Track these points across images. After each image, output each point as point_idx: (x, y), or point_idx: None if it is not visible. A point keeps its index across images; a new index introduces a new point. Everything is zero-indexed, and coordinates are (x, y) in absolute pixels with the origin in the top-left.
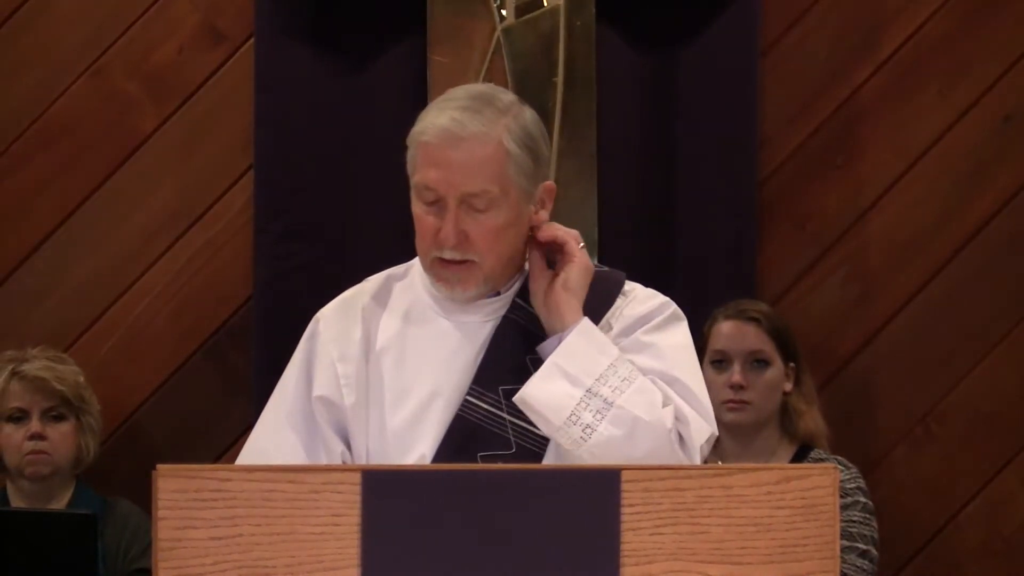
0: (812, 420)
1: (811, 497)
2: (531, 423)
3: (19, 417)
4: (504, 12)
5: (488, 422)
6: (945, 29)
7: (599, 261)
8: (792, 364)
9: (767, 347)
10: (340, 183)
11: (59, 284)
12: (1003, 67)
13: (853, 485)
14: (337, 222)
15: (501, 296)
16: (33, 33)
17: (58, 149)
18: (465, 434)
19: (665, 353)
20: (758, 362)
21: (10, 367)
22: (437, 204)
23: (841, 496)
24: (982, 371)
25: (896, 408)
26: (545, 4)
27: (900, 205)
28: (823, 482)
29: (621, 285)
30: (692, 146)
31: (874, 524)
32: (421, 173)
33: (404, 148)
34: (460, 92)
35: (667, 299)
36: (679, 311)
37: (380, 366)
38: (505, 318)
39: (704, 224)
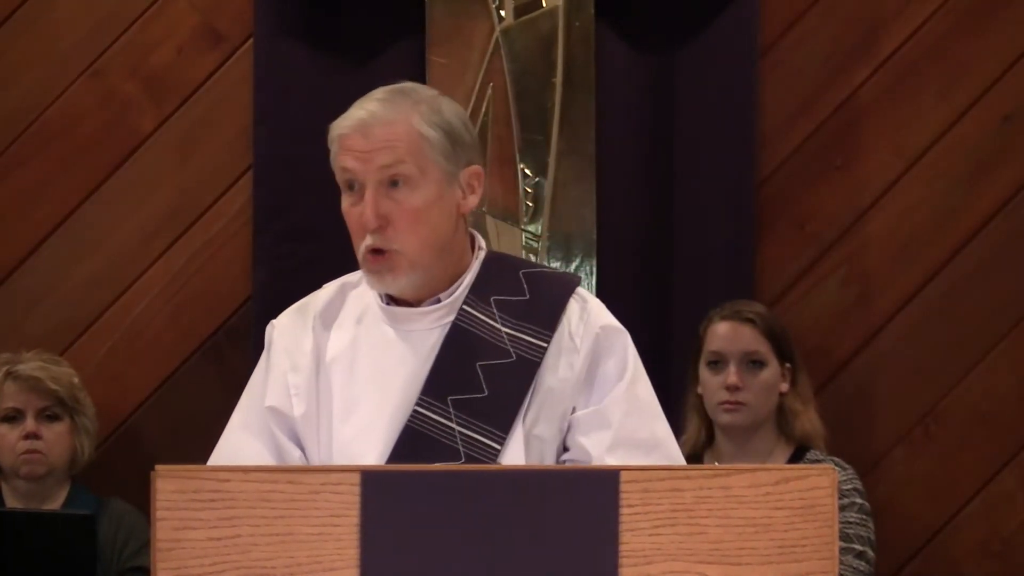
0: (808, 421)
1: (810, 498)
2: (480, 433)
3: (14, 417)
4: (503, 13)
5: (437, 433)
6: (944, 29)
7: (598, 262)
8: (788, 365)
9: (763, 348)
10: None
11: (58, 284)
12: (1002, 67)
13: (850, 486)
14: (336, 222)
15: (444, 303)
16: (33, 33)
17: (58, 149)
18: (414, 445)
19: (644, 409)
20: (754, 363)
21: (4, 368)
22: (358, 192)
23: (838, 497)
24: (981, 371)
25: (895, 409)
26: (544, 4)
27: (900, 205)
28: (822, 483)
29: (574, 286)
30: (691, 146)
31: (871, 525)
32: (339, 163)
33: None
34: (379, 91)
35: (621, 326)
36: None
37: (330, 376)
38: (454, 325)
39: (703, 224)
